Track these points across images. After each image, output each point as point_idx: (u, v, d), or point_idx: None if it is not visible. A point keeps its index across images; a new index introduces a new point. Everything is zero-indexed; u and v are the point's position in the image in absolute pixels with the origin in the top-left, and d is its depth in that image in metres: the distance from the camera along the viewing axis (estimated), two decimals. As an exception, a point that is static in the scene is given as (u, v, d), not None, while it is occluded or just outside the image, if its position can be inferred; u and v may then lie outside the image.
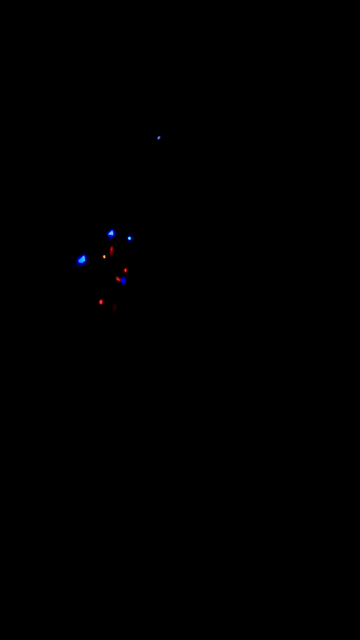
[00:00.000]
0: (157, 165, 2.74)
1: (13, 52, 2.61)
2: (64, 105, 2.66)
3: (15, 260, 2.62)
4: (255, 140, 2.73)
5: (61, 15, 2.64)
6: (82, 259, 2.67)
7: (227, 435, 2.57)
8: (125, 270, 2.74)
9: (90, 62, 2.68)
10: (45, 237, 2.64)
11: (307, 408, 2.59)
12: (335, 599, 2.26)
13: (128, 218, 2.75)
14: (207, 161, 2.74)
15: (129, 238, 2.75)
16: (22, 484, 2.47)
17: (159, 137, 2.72)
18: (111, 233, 2.73)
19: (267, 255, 2.71)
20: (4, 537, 2.38)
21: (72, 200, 2.67)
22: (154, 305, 2.72)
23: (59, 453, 2.53)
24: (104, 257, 2.71)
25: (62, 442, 2.55)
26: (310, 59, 2.72)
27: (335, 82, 2.73)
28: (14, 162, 2.63)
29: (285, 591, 2.28)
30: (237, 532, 2.40)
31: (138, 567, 2.34)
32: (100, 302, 2.69)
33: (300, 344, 2.65)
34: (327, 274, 2.68)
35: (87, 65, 2.68)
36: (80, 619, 2.25)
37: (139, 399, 2.64)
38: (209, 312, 2.70)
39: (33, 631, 2.22)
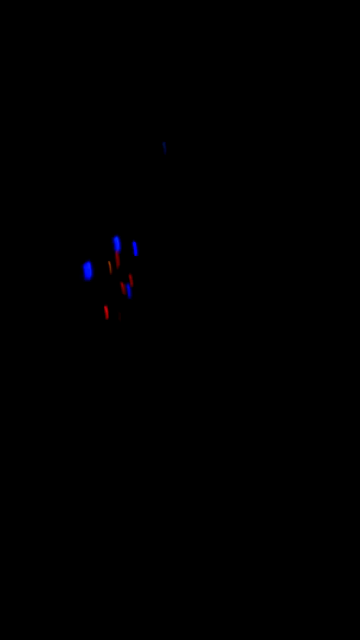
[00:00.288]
0: (163, 173, 2.71)
1: (14, 55, 2.53)
2: (69, 111, 2.60)
3: (19, 267, 2.58)
4: (262, 147, 2.72)
5: (62, 17, 2.56)
6: (87, 268, 2.64)
7: (230, 447, 2.61)
8: (131, 277, 2.73)
9: (95, 68, 2.62)
10: (50, 245, 2.60)
11: (309, 416, 2.63)
12: (335, 598, 2.33)
13: (134, 226, 2.72)
14: (213, 169, 2.71)
15: (135, 246, 2.73)
16: (23, 485, 2.48)
17: (164, 144, 2.69)
18: (117, 241, 2.70)
19: (275, 263, 2.73)
20: (4, 537, 2.40)
21: (77, 209, 2.63)
22: (159, 314, 2.72)
23: (64, 461, 2.54)
24: (110, 265, 2.69)
25: (66, 450, 2.56)
26: (313, 60, 2.70)
27: (336, 84, 2.72)
28: (18, 169, 2.57)
29: (285, 590, 2.34)
30: (236, 531, 2.45)
31: (138, 565, 2.37)
32: (105, 310, 2.68)
33: (306, 358, 2.69)
34: (336, 290, 2.71)
35: (91, 70, 2.61)
36: (80, 618, 2.28)
37: (143, 407, 2.65)
38: (215, 321, 2.71)
39: (33, 631, 2.25)
